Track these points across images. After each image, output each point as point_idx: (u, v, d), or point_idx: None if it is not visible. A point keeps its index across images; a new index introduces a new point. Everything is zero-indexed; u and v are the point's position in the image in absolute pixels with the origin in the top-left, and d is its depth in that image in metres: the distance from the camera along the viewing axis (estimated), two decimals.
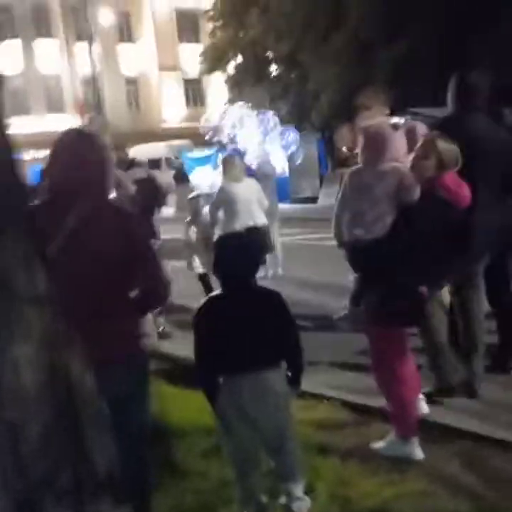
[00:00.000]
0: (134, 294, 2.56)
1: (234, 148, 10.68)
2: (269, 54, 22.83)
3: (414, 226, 3.28)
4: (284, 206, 18.07)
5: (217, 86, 34.06)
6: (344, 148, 29.61)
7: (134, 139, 31.34)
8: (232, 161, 7.25)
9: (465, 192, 3.63)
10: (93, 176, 2.49)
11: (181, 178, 19.61)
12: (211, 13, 26.82)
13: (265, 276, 8.50)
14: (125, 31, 38.87)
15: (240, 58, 24.55)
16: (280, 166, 10.51)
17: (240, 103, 11.79)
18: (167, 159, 24.47)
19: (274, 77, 23.55)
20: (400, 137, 3.57)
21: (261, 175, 8.87)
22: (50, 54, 34.97)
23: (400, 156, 3.50)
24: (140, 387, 2.57)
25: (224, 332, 2.61)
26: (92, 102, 22.27)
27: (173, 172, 21.73)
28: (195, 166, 21.36)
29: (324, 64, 18.06)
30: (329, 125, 21.11)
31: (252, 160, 9.89)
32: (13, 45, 34.18)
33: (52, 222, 2.34)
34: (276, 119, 10.84)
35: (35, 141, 32.14)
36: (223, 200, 6.90)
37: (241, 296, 2.67)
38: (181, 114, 40.69)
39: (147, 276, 2.54)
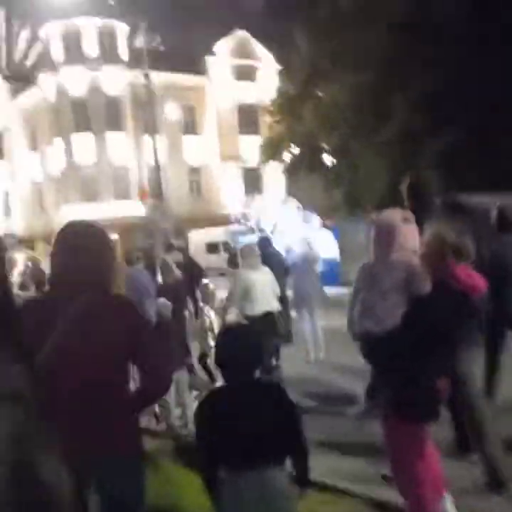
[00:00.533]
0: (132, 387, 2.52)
1: (264, 236, 11.27)
2: (324, 145, 23.84)
3: (426, 317, 3.18)
4: (334, 289, 18.47)
5: (274, 175, 35.52)
6: None
7: (195, 224, 32.85)
8: (250, 250, 7.52)
9: (477, 282, 3.59)
10: (92, 266, 2.44)
11: (236, 262, 20.21)
12: (270, 107, 28.41)
13: (308, 360, 8.58)
14: (190, 124, 41.37)
15: (295, 149, 25.70)
16: (327, 250, 10.78)
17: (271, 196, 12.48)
18: (224, 243, 25.56)
19: (328, 166, 24.49)
20: (410, 228, 3.53)
21: (303, 260, 9.22)
22: (119, 146, 37.50)
23: (410, 247, 3.47)
24: (133, 487, 2.43)
25: (224, 427, 2.48)
26: (156, 190, 23.61)
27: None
28: None
29: (374, 153, 18.81)
30: (380, 210, 21.68)
31: (291, 245, 10.23)
32: (87, 138, 36.92)
33: (49, 316, 2.29)
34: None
35: (103, 226, 34.09)
36: (241, 286, 7.17)
37: (241, 389, 2.56)
38: (240, 200, 42.33)
39: (146, 371, 2.46)
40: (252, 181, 42.85)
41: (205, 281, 8.52)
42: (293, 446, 2.57)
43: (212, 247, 28.58)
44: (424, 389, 3.16)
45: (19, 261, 23.58)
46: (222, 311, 7.36)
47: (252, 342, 2.62)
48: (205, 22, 62.79)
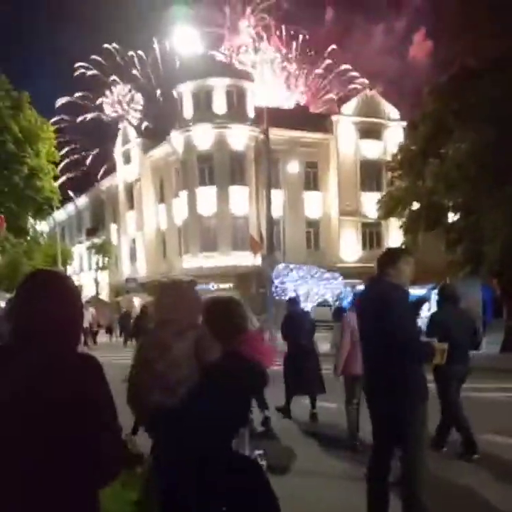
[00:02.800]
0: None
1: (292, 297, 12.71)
2: (446, 202, 23.27)
3: (218, 387, 2.91)
4: None
5: (394, 230, 35.00)
6: None
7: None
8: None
9: (266, 352, 3.47)
10: (48, 320, 2.07)
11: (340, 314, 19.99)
12: (392, 163, 28.23)
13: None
14: (311, 179, 42.00)
15: (415, 205, 25.24)
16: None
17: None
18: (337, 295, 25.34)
19: (448, 224, 23.80)
20: (197, 294, 3.26)
21: None
22: (241, 199, 38.69)
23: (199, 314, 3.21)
24: None
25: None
26: (268, 242, 24.03)
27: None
28: None
29: (499, 209, 18.11)
30: (504, 270, 20.69)
31: None
32: (210, 190, 38.45)
33: None
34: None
35: (219, 275, 35.03)
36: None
37: None
38: (357, 254, 42.00)
39: (99, 450, 2.00)
40: (370, 236, 42.50)
41: None
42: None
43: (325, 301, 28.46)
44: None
45: (136, 303, 24.81)
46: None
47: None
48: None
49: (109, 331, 32.59)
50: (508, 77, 18.14)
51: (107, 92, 74.66)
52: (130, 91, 74.12)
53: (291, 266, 28.49)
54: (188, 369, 2.91)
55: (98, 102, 74.80)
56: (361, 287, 22.36)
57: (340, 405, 7.76)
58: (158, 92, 70.05)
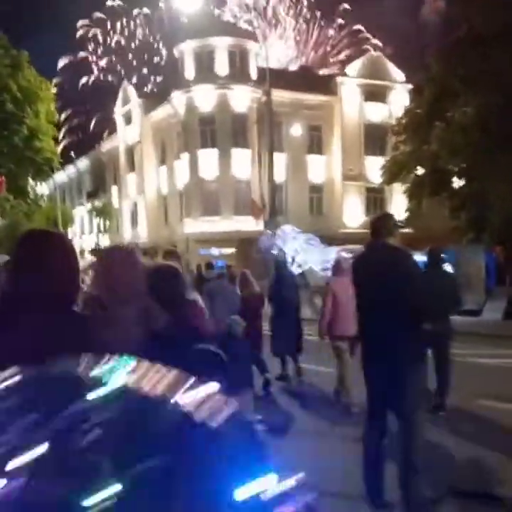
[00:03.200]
0: None
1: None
2: (450, 167, 22.94)
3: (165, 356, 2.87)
4: None
5: (398, 195, 34.63)
6: None
7: None
8: None
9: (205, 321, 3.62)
10: (50, 281, 2.01)
11: None
12: (396, 127, 27.77)
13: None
14: (315, 143, 41.37)
15: (420, 170, 24.91)
16: None
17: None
18: None
19: (453, 189, 23.51)
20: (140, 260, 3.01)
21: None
22: (243, 162, 38.19)
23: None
24: None
25: None
26: (271, 207, 23.74)
27: None
28: None
29: (503, 177, 17.81)
30: (508, 237, 20.47)
31: None
32: (212, 153, 37.95)
33: None
34: None
35: (221, 239, 34.81)
36: None
37: None
38: (361, 220, 41.66)
39: None
40: (374, 201, 42.09)
41: None
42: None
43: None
44: None
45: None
46: None
47: None
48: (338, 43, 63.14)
49: None
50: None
51: (110, 53, 73.41)
52: (134, 50, 72.86)
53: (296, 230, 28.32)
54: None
55: (102, 63, 73.65)
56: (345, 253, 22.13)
57: (329, 369, 7.87)
58: (164, 51, 68.83)
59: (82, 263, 48.98)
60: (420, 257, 19.51)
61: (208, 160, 37.97)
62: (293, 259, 22.12)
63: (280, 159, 29.82)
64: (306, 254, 24.29)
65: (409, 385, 4.12)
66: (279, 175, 29.57)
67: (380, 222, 4.66)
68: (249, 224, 34.97)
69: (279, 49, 59.82)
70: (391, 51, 44.88)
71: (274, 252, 25.38)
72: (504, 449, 5.69)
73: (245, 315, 8.20)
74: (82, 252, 55.49)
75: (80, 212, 56.21)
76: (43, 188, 40.56)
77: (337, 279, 7.73)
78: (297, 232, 26.31)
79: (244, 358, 5.90)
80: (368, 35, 64.04)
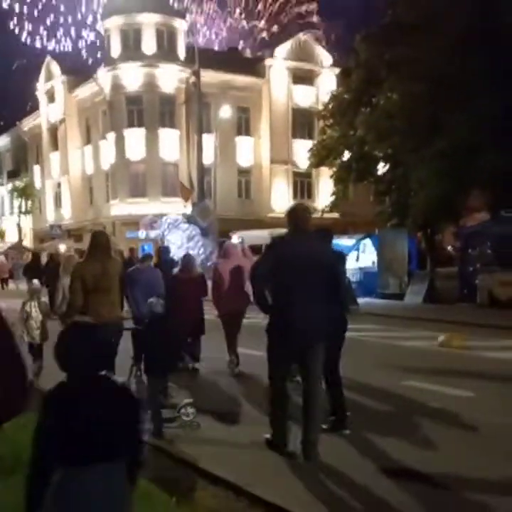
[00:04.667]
0: None
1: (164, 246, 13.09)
2: (376, 153, 23.29)
3: None
4: (370, 301, 18.04)
5: (324, 180, 35.02)
6: (449, 248, 29.35)
7: (241, 226, 32.62)
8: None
9: None
10: None
11: None
12: (324, 112, 27.92)
13: None
14: (243, 125, 41.19)
15: (346, 155, 25.17)
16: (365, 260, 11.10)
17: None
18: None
19: (379, 175, 23.91)
20: None
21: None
22: (171, 143, 37.59)
23: None
24: None
25: (67, 422, 2.48)
26: (200, 189, 23.49)
27: None
28: None
29: (425, 165, 18.22)
30: (429, 223, 21.07)
31: None
32: (139, 133, 37.15)
33: None
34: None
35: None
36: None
37: (88, 389, 2.56)
38: (288, 204, 41.91)
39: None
40: (301, 185, 42.45)
41: None
42: (134, 443, 2.66)
43: (254, 250, 28.28)
44: None
45: (62, 251, 24.00)
46: None
47: (94, 340, 2.66)
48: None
49: (10, 277, 30.86)
50: (441, 34, 18.02)
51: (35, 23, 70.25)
52: (57, 23, 70.05)
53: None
54: None
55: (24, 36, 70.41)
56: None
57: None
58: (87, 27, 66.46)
59: (1, 244, 46.64)
60: (346, 241, 19.83)
61: (135, 140, 37.17)
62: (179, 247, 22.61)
63: (208, 141, 29.41)
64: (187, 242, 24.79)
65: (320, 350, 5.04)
66: (208, 158, 29.20)
67: (298, 214, 5.24)
68: (177, 206, 34.53)
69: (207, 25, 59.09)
70: (319, 34, 44.97)
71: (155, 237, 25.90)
72: (427, 428, 5.84)
73: (184, 299, 8.27)
74: (1, 233, 53.45)
75: (0, 192, 53.98)
76: None
77: (224, 261, 8.69)
78: (180, 221, 26.68)
79: (168, 336, 5.84)
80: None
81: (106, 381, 2.73)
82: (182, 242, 23.98)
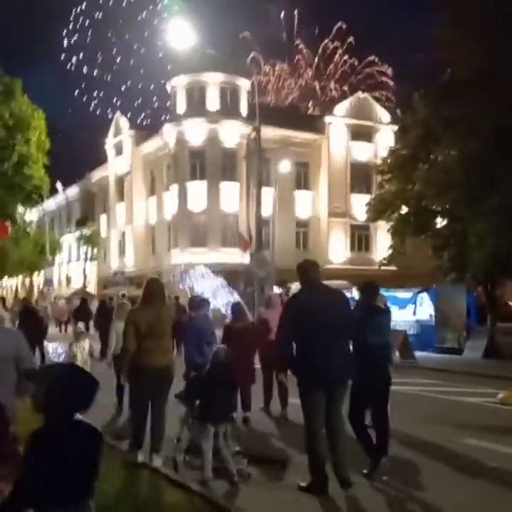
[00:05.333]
0: None
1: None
2: (434, 207, 23.39)
3: None
4: (427, 355, 17.80)
5: (382, 233, 35.13)
6: (511, 303, 28.46)
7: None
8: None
9: None
10: None
11: None
12: (382, 166, 28.29)
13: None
14: (302, 179, 42.00)
15: (404, 209, 25.32)
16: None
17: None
18: None
19: (437, 229, 23.93)
20: None
21: None
22: (231, 195, 38.66)
23: None
24: None
25: (42, 465, 2.60)
26: (258, 240, 24.02)
27: None
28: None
29: (482, 219, 18.22)
30: (489, 278, 20.84)
31: None
32: (201, 186, 38.39)
33: None
34: None
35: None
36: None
37: (62, 431, 2.66)
38: (345, 256, 42.10)
39: None
40: (359, 238, 42.63)
41: None
42: (92, 486, 2.75)
43: None
44: None
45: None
46: None
47: (72, 385, 2.68)
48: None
49: (66, 322, 31.83)
50: (495, 91, 18.27)
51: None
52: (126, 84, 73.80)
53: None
54: None
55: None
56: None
57: None
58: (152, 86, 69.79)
59: (67, 289, 48.11)
60: (402, 294, 19.77)
61: (197, 192, 38.42)
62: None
63: (268, 194, 30.19)
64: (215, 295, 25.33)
65: None
66: (267, 209, 29.91)
67: (311, 269, 5.80)
68: (235, 256, 35.21)
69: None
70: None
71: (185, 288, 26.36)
72: (483, 487, 5.76)
73: (240, 348, 8.03)
74: (67, 279, 55.38)
75: (68, 239, 56.26)
76: (31, 215, 40.65)
77: (267, 311, 9.17)
78: (208, 272, 27.25)
79: (224, 385, 5.92)
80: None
81: (80, 422, 2.77)
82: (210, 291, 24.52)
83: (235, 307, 9.32)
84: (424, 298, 20.57)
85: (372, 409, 6.14)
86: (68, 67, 74.49)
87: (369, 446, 5.88)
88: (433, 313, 19.69)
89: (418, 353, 16.41)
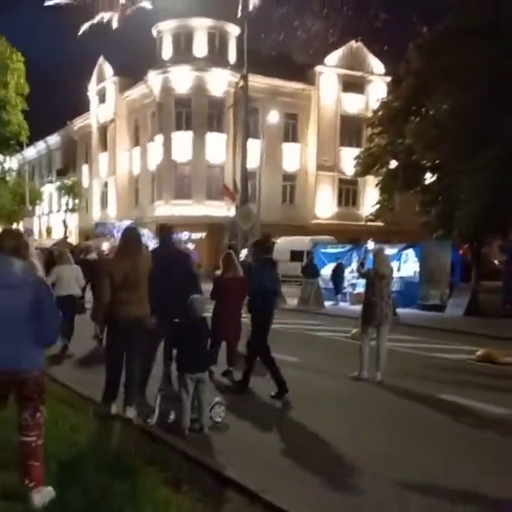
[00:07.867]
0: None
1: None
2: (423, 162, 22.88)
3: None
4: (410, 312, 17.61)
5: (370, 188, 34.60)
6: (496, 262, 28.54)
7: (284, 231, 32.47)
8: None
9: None
10: None
11: (311, 271, 19.79)
12: (372, 119, 27.60)
13: (359, 376, 8.23)
14: (290, 131, 41.05)
15: (393, 164, 24.82)
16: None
17: None
18: (308, 252, 24.87)
19: (426, 184, 23.48)
20: None
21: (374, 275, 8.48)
22: (217, 146, 37.71)
23: None
24: None
25: None
26: (244, 193, 23.39)
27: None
28: (327, 261, 21.78)
29: (474, 175, 17.71)
30: (476, 235, 20.51)
31: None
32: (186, 136, 37.37)
33: None
34: None
35: (192, 224, 34.37)
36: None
37: None
38: (332, 211, 41.58)
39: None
40: (347, 193, 42.07)
41: None
42: None
43: (296, 255, 28.19)
44: None
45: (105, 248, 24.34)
46: None
47: None
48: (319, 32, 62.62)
49: None
50: (497, 41, 17.58)
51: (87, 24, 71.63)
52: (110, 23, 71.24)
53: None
54: None
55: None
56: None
57: None
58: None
59: (48, 241, 47.50)
60: (389, 250, 19.45)
61: (182, 142, 37.43)
62: None
63: (255, 146, 29.36)
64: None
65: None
66: (253, 162, 29.13)
67: None
68: (220, 210, 34.60)
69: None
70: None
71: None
72: (452, 441, 5.58)
73: (229, 299, 8.02)
74: (48, 230, 54.50)
75: (49, 189, 55.14)
76: (11, 163, 39.50)
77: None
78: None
79: (199, 335, 5.85)
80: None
81: None
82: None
83: (226, 258, 8.53)
84: (410, 255, 20.21)
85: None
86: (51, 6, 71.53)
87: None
88: (417, 270, 19.35)
89: (401, 310, 16.26)
